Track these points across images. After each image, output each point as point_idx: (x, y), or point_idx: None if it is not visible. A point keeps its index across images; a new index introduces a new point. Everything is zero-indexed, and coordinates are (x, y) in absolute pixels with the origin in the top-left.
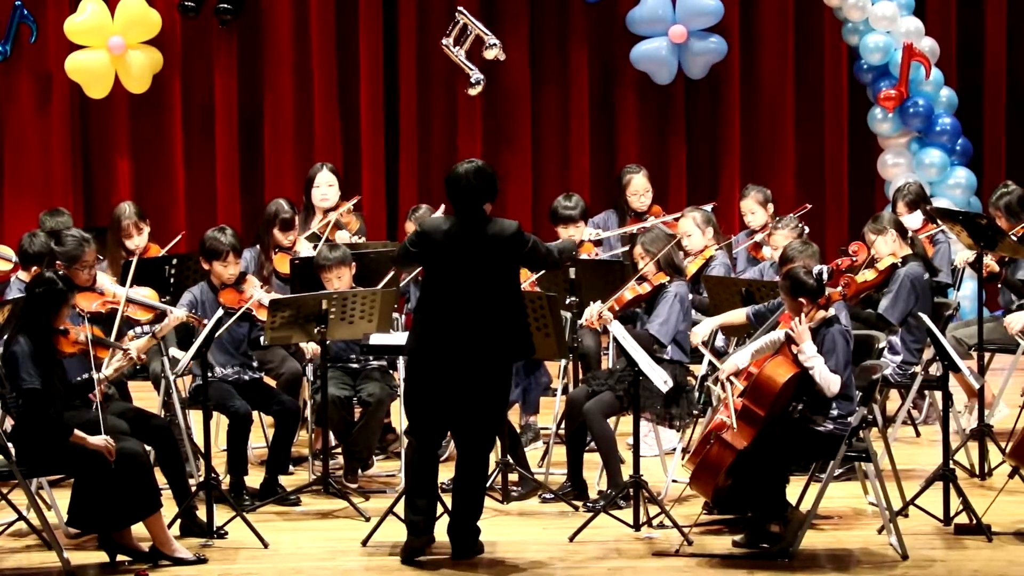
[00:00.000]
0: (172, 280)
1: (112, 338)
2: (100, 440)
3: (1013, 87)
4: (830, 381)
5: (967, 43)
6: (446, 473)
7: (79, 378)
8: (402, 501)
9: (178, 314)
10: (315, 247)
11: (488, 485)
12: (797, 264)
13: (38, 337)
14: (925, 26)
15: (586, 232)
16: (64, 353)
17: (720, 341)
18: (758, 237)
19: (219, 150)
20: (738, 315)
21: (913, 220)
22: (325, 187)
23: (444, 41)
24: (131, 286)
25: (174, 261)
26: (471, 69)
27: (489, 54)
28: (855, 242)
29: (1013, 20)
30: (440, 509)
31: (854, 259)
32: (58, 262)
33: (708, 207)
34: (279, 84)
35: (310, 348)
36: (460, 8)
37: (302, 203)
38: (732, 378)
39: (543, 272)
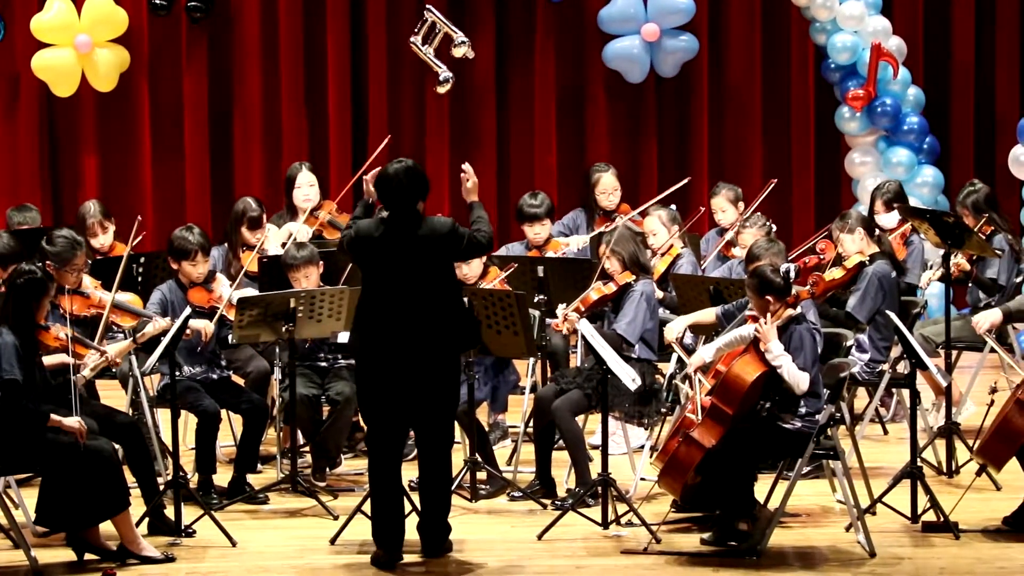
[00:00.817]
0: (139, 279)
1: (95, 343)
2: (74, 421)
3: (980, 86)
4: (799, 379)
5: (934, 42)
6: (412, 472)
7: (59, 378)
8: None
9: (161, 324)
10: (282, 246)
11: (457, 483)
12: (764, 262)
13: (21, 330)
14: (893, 25)
15: (554, 230)
16: (47, 348)
17: (688, 339)
18: (728, 235)
19: (187, 149)
20: (708, 315)
21: (890, 219)
22: (307, 187)
23: (412, 39)
24: (117, 291)
25: (141, 260)
26: (440, 67)
27: (458, 52)
28: (823, 240)
29: (980, 19)
30: (408, 507)
31: (822, 257)
32: (47, 262)
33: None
34: (247, 82)
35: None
36: (429, 6)
37: (283, 203)
38: (700, 376)
39: (512, 269)
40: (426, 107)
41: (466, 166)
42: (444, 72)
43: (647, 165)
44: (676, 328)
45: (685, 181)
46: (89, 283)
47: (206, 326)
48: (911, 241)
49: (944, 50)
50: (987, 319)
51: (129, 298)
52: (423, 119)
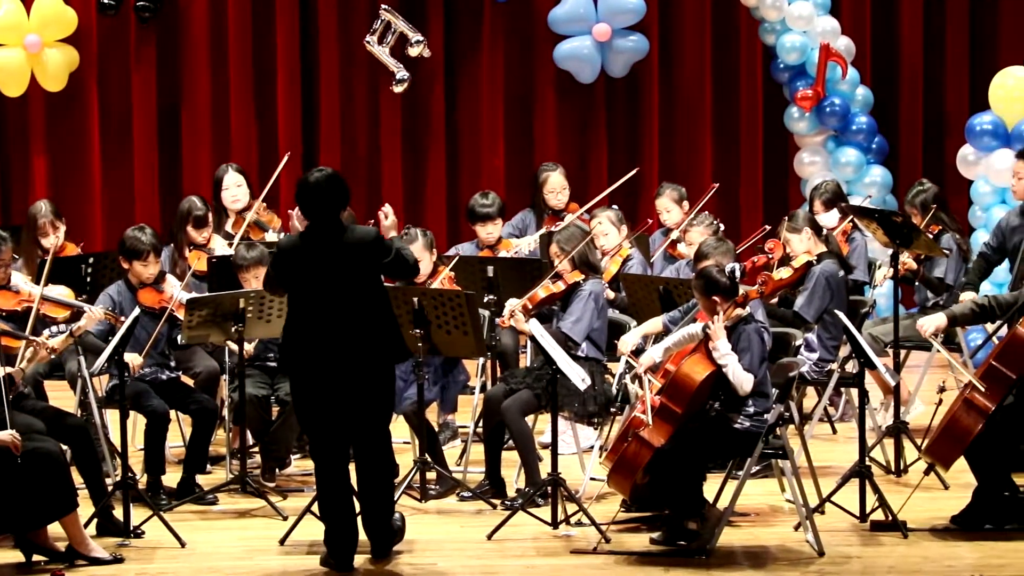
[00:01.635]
0: (89, 279)
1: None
2: (6, 435)
3: (928, 86)
4: (743, 380)
5: (882, 42)
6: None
7: None
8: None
9: (95, 312)
10: (229, 244)
11: (406, 484)
12: (711, 261)
13: None
14: (841, 26)
15: (505, 230)
16: None
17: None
18: (673, 235)
19: (136, 149)
20: (655, 324)
21: (829, 219)
22: (234, 188)
23: (368, 39)
24: (46, 284)
25: (91, 260)
26: (396, 67)
27: (414, 51)
28: (770, 239)
29: (928, 19)
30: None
31: (770, 256)
32: None
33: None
34: (197, 82)
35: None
36: (385, 6)
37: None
38: (650, 376)
39: (448, 271)
40: (379, 107)
41: (386, 207)
42: (401, 72)
43: (596, 165)
44: (630, 340)
45: (634, 171)
46: (20, 279)
47: (134, 360)
48: (853, 239)
49: (892, 50)
50: (932, 323)
51: (61, 291)
52: (376, 119)
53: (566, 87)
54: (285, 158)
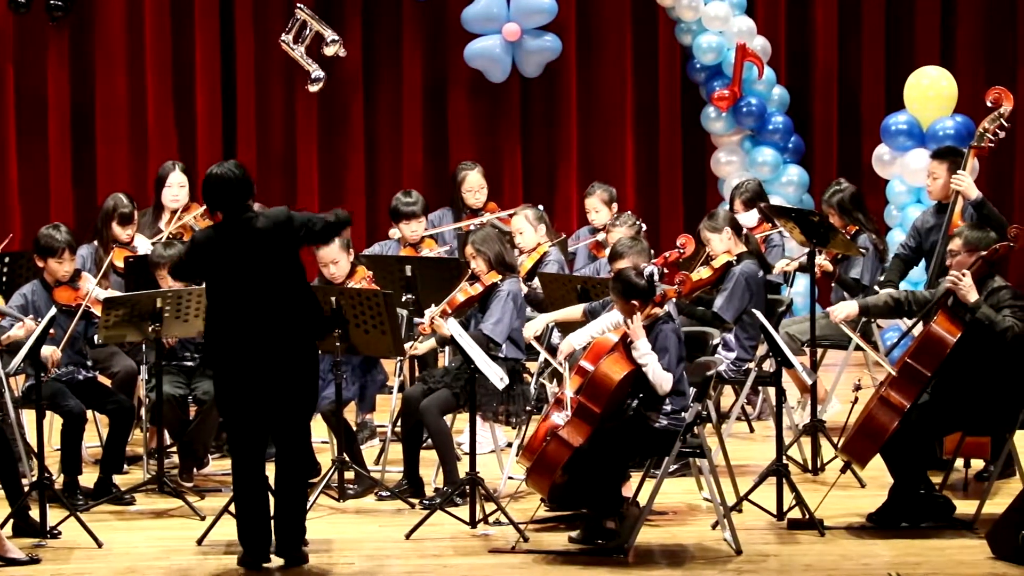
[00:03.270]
0: (4, 279)
1: None
2: None
3: (844, 85)
4: (662, 379)
5: (798, 42)
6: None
7: None
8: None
9: (29, 324)
10: (156, 243)
11: (325, 483)
12: (626, 260)
13: None
14: (757, 26)
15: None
16: None
17: (556, 338)
18: (600, 236)
19: (51, 146)
20: (575, 311)
21: (749, 218)
22: (177, 187)
23: (283, 38)
24: None
25: (7, 259)
26: (311, 66)
27: (330, 51)
28: (683, 234)
29: (843, 19)
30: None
31: (682, 251)
32: None
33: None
34: (112, 80)
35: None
36: (300, 5)
37: (151, 200)
38: (568, 367)
39: (374, 266)
40: (296, 106)
41: None
42: (316, 71)
43: (511, 164)
44: (536, 326)
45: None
46: None
47: (53, 352)
48: (771, 239)
49: (808, 50)
50: (844, 309)
51: None
52: (293, 118)
53: (478, 86)
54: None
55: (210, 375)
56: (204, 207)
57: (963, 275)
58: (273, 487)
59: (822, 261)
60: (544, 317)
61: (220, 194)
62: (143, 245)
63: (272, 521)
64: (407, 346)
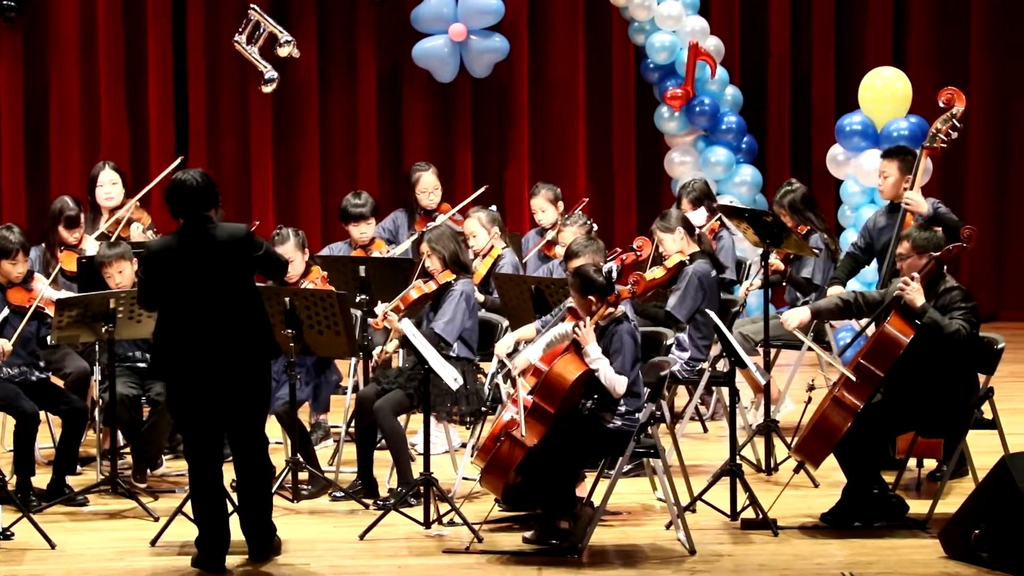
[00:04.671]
0: None
1: None
2: None
3: (797, 85)
4: (615, 382)
5: (751, 42)
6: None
7: None
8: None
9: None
10: (102, 242)
11: (278, 484)
12: (582, 260)
13: None
14: (710, 25)
15: (376, 230)
16: None
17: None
18: (549, 235)
19: (3, 148)
20: (528, 331)
21: (697, 217)
22: (109, 185)
23: (237, 38)
24: None
25: None
26: (265, 67)
27: (283, 52)
28: (640, 237)
29: (796, 19)
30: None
31: (638, 254)
32: None
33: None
34: (65, 81)
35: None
36: (253, 6)
37: (88, 202)
38: (523, 378)
39: (328, 267)
40: (249, 107)
41: None
42: (269, 72)
43: (462, 164)
44: (506, 344)
45: (482, 189)
46: None
47: (3, 344)
48: (720, 237)
49: (761, 50)
50: (796, 316)
51: None
52: (247, 119)
53: (431, 87)
54: (177, 160)
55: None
56: (136, 200)
57: (912, 279)
58: (235, 491)
59: (774, 260)
60: (511, 336)
61: (182, 201)
62: (92, 247)
63: (241, 526)
64: (376, 351)
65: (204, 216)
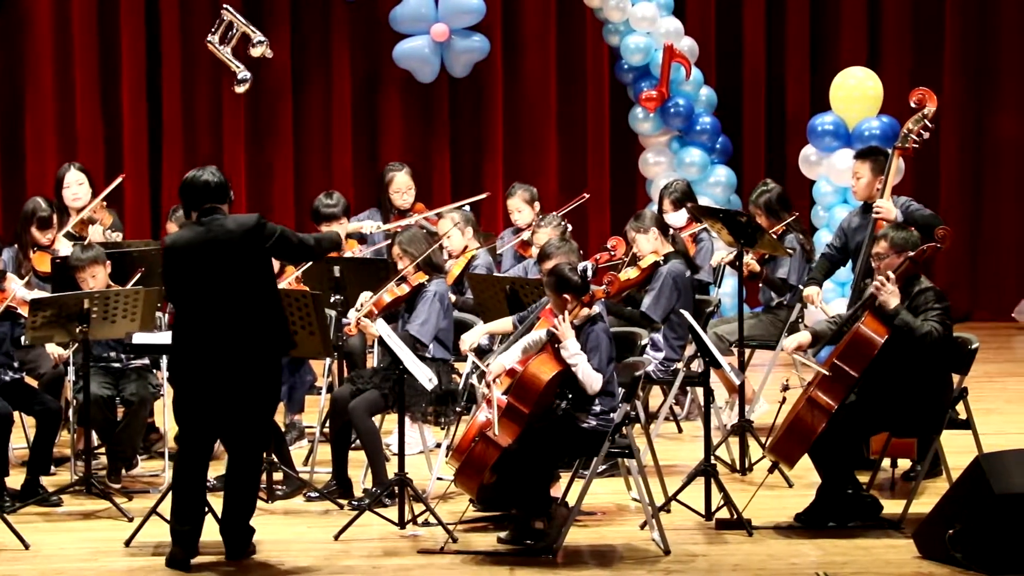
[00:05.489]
0: None
1: None
2: None
3: (771, 86)
4: (592, 379)
5: (726, 43)
6: (215, 470)
7: None
8: (166, 501)
9: None
10: (75, 245)
11: None
12: (556, 260)
13: None
14: (685, 27)
15: (350, 227)
16: None
17: (484, 340)
18: (525, 235)
19: None
20: (504, 324)
21: (677, 218)
22: (75, 186)
23: (209, 38)
24: None
25: None
26: (237, 67)
27: (256, 52)
28: (613, 237)
29: (771, 20)
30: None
31: (612, 254)
32: None
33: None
34: (40, 82)
35: (55, 353)
36: (226, 6)
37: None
38: (497, 381)
39: (308, 265)
40: (223, 106)
41: None
42: (242, 72)
43: (440, 164)
44: (471, 338)
45: (483, 196)
46: None
47: None
48: (701, 239)
49: (735, 51)
50: (794, 340)
51: None
52: (220, 119)
53: (408, 87)
54: (119, 179)
55: (138, 377)
56: (101, 199)
57: (888, 279)
58: (223, 488)
59: (749, 260)
60: (479, 329)
61: (193, 197)
62: (65, 248)
63: (220, 523)
64: (351, 315)
65: (215, 211)
